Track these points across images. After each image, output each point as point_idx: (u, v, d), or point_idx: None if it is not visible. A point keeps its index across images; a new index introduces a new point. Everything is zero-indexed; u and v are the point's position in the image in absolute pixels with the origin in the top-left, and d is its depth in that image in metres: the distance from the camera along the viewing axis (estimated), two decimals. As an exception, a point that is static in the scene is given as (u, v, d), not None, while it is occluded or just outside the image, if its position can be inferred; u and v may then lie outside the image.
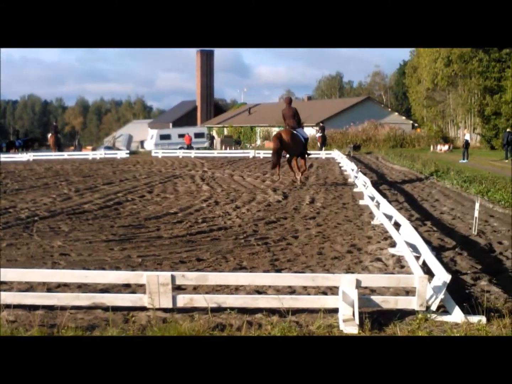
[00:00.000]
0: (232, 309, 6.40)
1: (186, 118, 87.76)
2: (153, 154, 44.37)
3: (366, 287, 6.97)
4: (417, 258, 7.93)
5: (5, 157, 38.31)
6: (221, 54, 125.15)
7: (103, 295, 6.77)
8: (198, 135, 66.46)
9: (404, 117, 70.92)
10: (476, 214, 11.04)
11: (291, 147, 19.38)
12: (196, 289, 7.25)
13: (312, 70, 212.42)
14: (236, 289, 7.34)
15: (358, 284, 6.29)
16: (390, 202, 13.62)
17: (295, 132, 19.55)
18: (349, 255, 9.33)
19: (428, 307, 6.38)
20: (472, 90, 59.53)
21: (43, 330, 5.84)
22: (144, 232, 11.34)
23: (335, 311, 6.33)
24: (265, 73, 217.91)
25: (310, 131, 45.85)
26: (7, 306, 6.42)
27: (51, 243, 10.17)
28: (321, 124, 49.51)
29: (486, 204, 14.69)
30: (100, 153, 44.55)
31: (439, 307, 6.46)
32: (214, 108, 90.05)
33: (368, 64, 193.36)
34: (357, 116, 61.66)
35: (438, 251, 9.34)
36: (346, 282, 6.29)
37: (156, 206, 15.16)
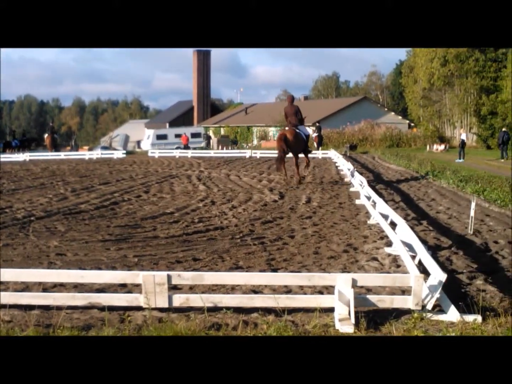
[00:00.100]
0: (228, 308, 6.40)
1: (182, 118, 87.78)
2: (149, 154, 44.34)
3: (362, 287, 6.97)
4: (413, 257, 7.93)
5: (1, 158, 38.22)
6: (218, 54, 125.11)
7: (99, 295, 6.76)
8: (195, 135, 66.50)
9: (400, 117, 71.03)
10: (472, 213, 11.06)
11: (295, 146, 19.77)
12: (192, 289, 7.25)
13: (309, 70, 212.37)
14: (232, 289, 7.34)
15: (354, 284, 6.30)
16: (386, 201, 13.65)
17: (297, 131, 19.86)
18: (345, 254, 9.34)
19: (423, 306, 6.39)
20: (468, 89, 59.59)
21: (38, 330, 5.84)
22: (140, 232, 11.34)
23: (331, 310, 6.33)
24: (262, 73, 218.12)
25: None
26: (3, 306, 6.40)
27: (47, 243, 10.16)
28: (317, 124, 49.49)
29: (482, 203, 14.70)
30: (97, 153, 44.50)
31: (434, 306, 6.46)
32: (211, 108, 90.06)
33: (364, 64, 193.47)
34: (353, 116, 61.73)
35: (434, 250, 9.35)
36: (342, 282, 6.29)
37: (152, 206, 15.15)
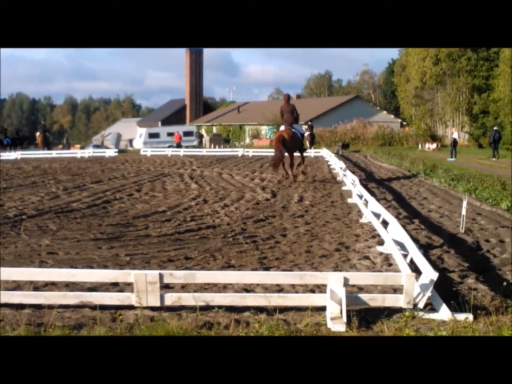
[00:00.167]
0: (220, 307, 6.41)
1: (175, 116, 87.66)
2: (142, 153, 44.28)
3: (353, 285, 6.99)
4: (405, 256, 7.95)
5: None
6: (210, 53, 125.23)
7: (90, 293, 6.75)
8: (187, 134, 66.36)
9: (392, 116, 71.09)
10: (464, 212, 11.09)
11: (292, 146, 20.11)
12: (184, 288, 7.26)
13: (301, 68, 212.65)
14: (224, 288, 7.34)
15: (345, 282, 6.31)
16: (378, 200, 13.68)
17: (294, 130, 20.20)
18: (337, 253, 9.35)
19: (415, 305, 6.41)
20: (460, 88, 59.76)
21: (30, 329, 5.82)
22: (132, 230, 11.32)
23: (322, 309, 6.34)
24: (254, 72, 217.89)
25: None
26: (-6, 305, 6.40)
27: (39, 241, 10.13)
28: (309, 123, 49.50)
29: (473, 202, 14.74)
30: (89, 152, 44.42)
31: (426, 305, 6.49)
32: (203, 106, 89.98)
33: (357, 62, 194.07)
34: (346, 115, 61.79)
35: (425, 249, 9.38)
36: (334, 280, 6.30)
37: (144, 204, 15.13)
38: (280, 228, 11.60)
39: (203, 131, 74.92)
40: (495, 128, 38.55)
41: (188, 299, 6.50)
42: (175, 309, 6.48)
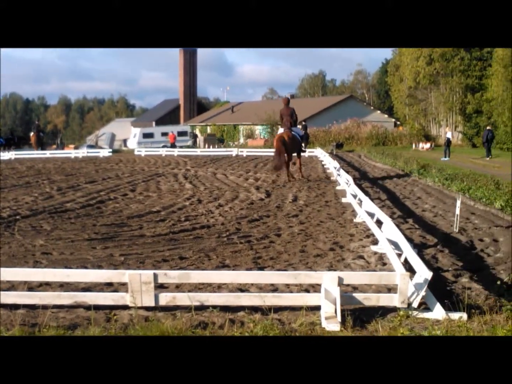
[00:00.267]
0: (214, 307, 6.41)
1: (169, 116, 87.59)
2: (136, 153, 44.24)
3: (348, 285, 7.00)
4: (399, 255, 7.97)
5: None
6: (204, 53, 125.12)
7: (85, 294, 6.75)
8: (181, 134, 66.30)
9: (386, 115, 71.16)
10: (458, 211, 11.12)
11: (292, 147, 20.33)
12: (178, 288, 7.25)
13: (295, 68, 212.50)
14: (218, 287, 7.34)
15: (340, 282, 6.32)
16: (372, 200, 13.69)
17: (293, 132, 20.51)
18: (332, 252, 9.36)
19: (409, 304, 6.42)
20: (454, 88, 59.84)
21: (24, 329, 5.81)
22: (126, 230, 11.31)
23: (317, 308, 6.35)
24: (248, 72, 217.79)
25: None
26: (-12, 306, 6.38)
27: (33, 242, 10.11)
28: (303, 123, 49.51)
29: (467, 202, 14.77)
30: (83, 152, 44.37)
31: (420, 304, 6.50)
32: (197, 106, 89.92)
33: (350, 62, 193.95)
34: (340, 115, 61.82)
35: (419, 248, 9.40)
36: (328, 280, 6.31)
37: (138, 204, 15.12)
38: (275, 227, 11.61)
39: (197, 131, 74.85)
40: (488, 127, 38.62)
41: (183, 299, 6.50)
42: (170, 309, 6.48)
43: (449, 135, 38.78)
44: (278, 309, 6.47)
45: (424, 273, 6.49)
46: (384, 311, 6.41)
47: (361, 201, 13.17)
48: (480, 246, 9.89)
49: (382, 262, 8.63)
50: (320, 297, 6.35)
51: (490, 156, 35.49)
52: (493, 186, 17.44)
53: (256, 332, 5.78)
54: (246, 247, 9.71)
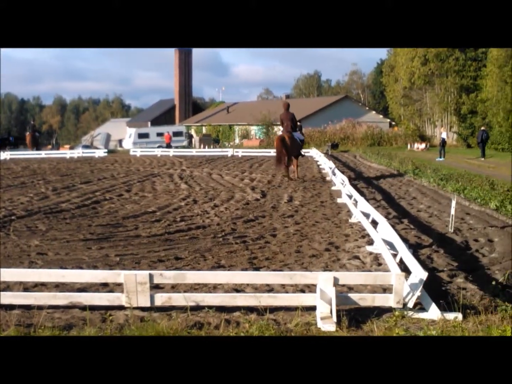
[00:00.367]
0: (210, 307, 6.41)
1: (164, 116, 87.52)
2: (131, 153, 44.26)
3: (343, 285, 6.99)
4: (394, 255, 7.98)
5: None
6: (199, 53, 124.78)
7: (80, 294, 6.74)
8: (177, 134, 66.22)
9: (381, 116, 71.21)
10: (453, 211, 11.13)
11: (291, 148, 20.48)
12: (174, 288, 7.25)
13: (291, 68, 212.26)
14: (214, 288, 7.34)
15: (335, 282, 6.32)
16: (367, 200, 13.70)
17: (294, 137, 20.72)
18: (327, 253, 9.37)
19: (405, 304, 6.43)
20: (449, 88, 59.97)
21: (20, 330, 5.80)
22: (122, 231, 11.30)
23: (313, 309, 6.35)
24: (243, 72, 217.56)
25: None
26: (-16, 306, 6.37)
27: (28, 242, 10.10)
28: (298, 123, 49.54)
29: (462, 202, 14.80)
30: (78, 152, 44.35)
31: (415, 304, 6.50)
32: (193, 106, 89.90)
33: (345, 63, 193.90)
34: (335, 115, 61.85)
35: (415, 248, 9.41)
36: (323, 280, 6.31)
37: (134, 205, 15.11)
38: (270, 228, 11.61)
39: (192, 131, 74.81)
40: (482, 128, 38.69)
41: (178, 299, 6.50)
42: (165, 310, 6.48)
43: (444, 135, 38.87)
44: (274, 309, 6.48)
45: (419, 273, 6.50)
46: (379, 311, 6.41)
47: (356, 202, 13.19)
48: (475, 246, 9.91)
49: (377, 263, 8.64)
50: (315, 298, 6.35)
51: (484, 157, 35.53)
52: (488, 186, 17.49)
53: (252, 332, 5.78)
54: (241, 248, 9.71)
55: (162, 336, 5.58)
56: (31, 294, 6.70)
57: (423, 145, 51.02)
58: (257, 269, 8.29)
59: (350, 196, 14.36)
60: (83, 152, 44.17)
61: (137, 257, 9.03)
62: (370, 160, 32.91)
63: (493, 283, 7.36)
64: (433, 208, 14.34)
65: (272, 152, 39.61)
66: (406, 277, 6.56)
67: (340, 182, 17.88)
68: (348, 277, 6.72)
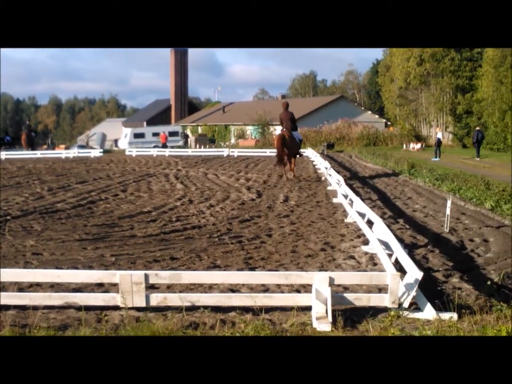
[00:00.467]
0: (205, 307, 6.40)
1: (160, 116, 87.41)
2: (127, 153, 44.21)
3: (339, 285, 7.00)
4: (390, 255, 7.98)
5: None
6: (195, 53, 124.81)
7: (75, 294, 6.73)
8: (172, 134, 66.15)
9: (377, 116, 71.27)
10: (448, 211, 11.15)
11: (291, 147, 20.65)
12: (169, 288, 7.25)
13: (286, 68, 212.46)
14: (209, 288, 7.34)
15: (331, 282, 6.33)
16: (363, 200, 13.71)
17: (293, 137, 20.86)
18: (323, 253, 9.37)
19: (400, 304, 6.44)
20: (444, 89, 60.00)
21: (15, 330, 5.80)
22: (117, 231, 11.29)
23: (308, 309, 6.36)
24: (239, 72, 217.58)
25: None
26: (-21, 307, 6.36)
27: (24, 242, 10.09)
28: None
29: (458, 202, 14.83)
30: (74, 152, 44.28)
31: (411, 304, 6.52)
32: (188, 106, 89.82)
33: (341, 63, 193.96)
34: (330, 115, 61.86)
35: (410, 248, 9.42)
36: (319, 280, 6.32)
37: (130, 205, 15.09)
38: (266, 228, 11.62)
39: (188, 131, 74.77)
40: (477, 128, 38.75)
41: (174, 299, 6.50)
42: (161, 310, 6.48)
43: (439, 135, 38.89)
44: (269, 309, 6.48)
45: (414, 273, 6.51)
46: (375, 311, 6.42)
47: (352, 202, 13.19)
48: (470, 246, 9.92)
49: (373, 262, 8.65)
50: (311, 298, 6.36)
51: (479, 157, 35.57)
52: (483, 186, 17.52)
53: (247, 332, 5.78)
54: (237, 248, 9.71)
55: (158, 336, 5.58)
56: (26, 295, 6.70)
57: (418, 145, 51.04)
58: (252, 269, 8.30)
59: (345, 196, 14.36)
60: (78, 152, 44.09)
61: (132, 257, 9.03)
62: (365, 160, 32.94)
63: (488, 283, 7.37)
64: (428, 208, 14.36)
65: (268, 152, 39.85)
66: (402, 277, 6.57)
67: (336, 182, 17.89)
68: (344, 277, 6.72)
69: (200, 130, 74.71)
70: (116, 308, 6.46)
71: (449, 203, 11.18)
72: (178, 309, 6.39)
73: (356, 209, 12.15)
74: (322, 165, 25.21)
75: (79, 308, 6.39)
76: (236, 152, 41.52)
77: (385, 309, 6.43)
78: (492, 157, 37.37)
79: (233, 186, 19.42)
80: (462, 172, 23.70)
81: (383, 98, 72.01)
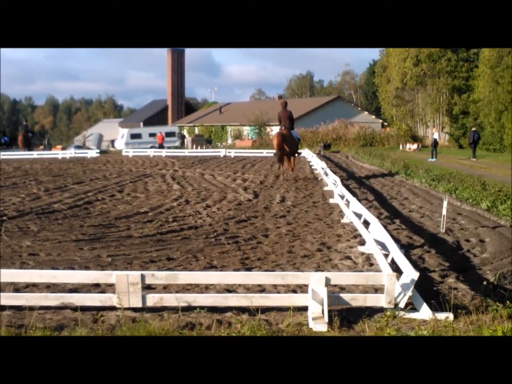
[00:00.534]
0: (202, 308, 6.40)
1: (157, 117, 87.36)
2: (123, 153, 44.20)
3: (335, 285, 7.01)
4: (386, 256, 7.99)
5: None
6: (192, 53, 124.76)
7: (72, 295, 6.72)
8: (169, 134, 66.14)
9: (373, 116, 71.37)
10: (444, 212, 11.16)
11: (290, 145, 20.82)
12: (166, 288, 7.25)
13: (283, 69, 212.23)
14: (206, 288, 7.34)
15: (327, 282, 6.33)
16: (359, 200, 13.73)
17: (291, 133, 21.08)
18: (319, 253, 9.38)
19: (396, 305, 6.44)
20: (441, 89, 60.03)
21: (11, 331, 5.79)
22: (114, 231, 11.28)
23: (304, 309, 6.36)
24: (236, 72, 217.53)
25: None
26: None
27: (20, 243, 10.07)
28: (291, 123, 49.49)
29: (454, 202, 14.84)
30: (70, 153, 44.26)
31: (407, 304, 6.52)
32: (185, 107, 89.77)
33: (338, 63, 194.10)
34: (327, 115, 61.94)
35: (406, 249, 9.43)
36: (315, 280, 6.32)
37: (126, 205, 15.08)
38: (262, 228, 11.62)
39: (185, 132, 74.75)
40: (474, 129, 38.79)
41: (170, 300, 6.50)
42: (157, 310, 6.47)
43: (436, 136, 38.92)
44: (266, 309, 6.48)
45: (410, 274, 6.52)
46: (371, 312, 6.43)
47: (348, 202, 13.20)
48: (466, 246, 9.94)
49: (369, 263, 8.66)
50: (307, 298, 6.36)
51: (475, 158, 35.60)
52: (480, 186, 17.54)
53: (244, 332, 5.78)
54: (233, 248, 9.71)
55: (154, 336, 5.58)
56: (23, 295, 6.69)
57: (415, 146, 51.13)
58: (249, 269, 8.30)
59: (342, 197, 14.37)
60: (75, 153, 44.08)
61: (129, 258, 9.02)
62: (362, 161, 32.97)
63: (484, 283, 7.38)
64: (425, 208, 14.38)
65: (265, 153, 39.85)
66: (398, 277, 6.58)
67: (332, 182, 17.90)
68: (340, 277, 6.73)
69: (197, 130, 74.70)
70: (112, 308, 6.46)
71: (445, 203, 11.19)
72: (174, 309, 6.39)
73: (352, 209, 12.16)
74: (319, 165, 25.23)
75: (75, 309, 6.39)
76: (232, 153, 41.57)
77: (381, 309, 6.44)
78: (489, 157, 37.44)
79: (230, 187, 19.42)
80: (458, 172, 23.74)
81: (380, 99, 72.05)
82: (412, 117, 64.47)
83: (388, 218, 12.78)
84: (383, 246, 8.49)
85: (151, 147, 52.02)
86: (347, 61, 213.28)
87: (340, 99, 73.37)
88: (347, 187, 16.96)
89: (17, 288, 7.20)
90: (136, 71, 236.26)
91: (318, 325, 5.99)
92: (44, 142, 62.15)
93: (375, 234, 9.19)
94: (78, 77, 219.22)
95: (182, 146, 64.03)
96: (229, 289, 7.32)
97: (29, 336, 5.62)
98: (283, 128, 20.91)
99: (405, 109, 64.04)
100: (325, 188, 18.58)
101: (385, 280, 6.41)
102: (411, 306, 6.57)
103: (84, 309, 6.42)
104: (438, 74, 59.29)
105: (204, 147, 57.53)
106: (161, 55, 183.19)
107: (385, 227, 9.74)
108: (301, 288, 7.04)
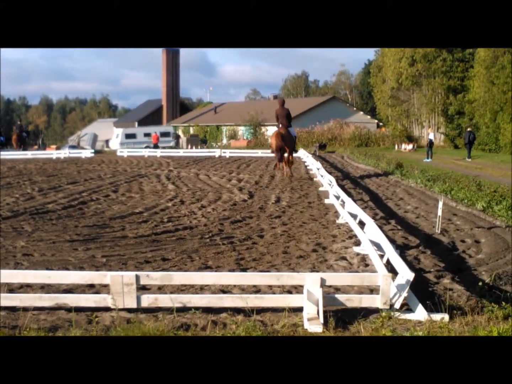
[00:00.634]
0: (197, 308, 6.38)
1: (151, 117, 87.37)
2: (118, 153, 44.17)
3: (330, 286, 7.00)
4: (381, 256, 7.98)
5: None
6: (186, 53, 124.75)
7: (66, 295, 6.70)
8: (164, 134, 66.12)
9: (369, 116, 71.47)
10: (440, 212, 11.16)
11: (289, 144, 21.10)
12: (161, 289, 7.22)
13: (278, 69, 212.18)
14: (201, 289, 7.32)
15: (322, 283, 6.32)
16: (355, 201, 13.72)
17: (289, 131, 21.31)
18: (314, 254, 9.37)
19: (391, 305, 6.43)
20: (436, 89, 60.13)
21: (4, 332, 5.76)
22: (108, 232, 11.25)
23: (299, 310, 6.34)
24: (231, 72, 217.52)
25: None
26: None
27: (14, 243, 10.03)
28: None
29: (449, 203, 14.85)
30: (65, 152, 44.20)
31: (402, 305, 6.51)
32: (180, 107, 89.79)
33: (333, 63, 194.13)
34: (322, 115, 62.02)
35: (402, 249, 9.43)
36: (310, 281, 6.31)
37: (121, 205, 15.05)
38: (257, 229, 11.60)
39: (180, 132, 74.73)
40: (469, 129, 38.87)
41: (165, 300, 6.48)
42: (152, 311, 6.45)
43: (431, 136, 39.03)
44: (261, 310, 6.46)
45: (406, 274, 6.51)
46: (366, 312, 6.41)
47: (343, 202, 13.20)
48: (462, 247, 9.94)
49: (364, 263, 8.65)
50: (302, 299, 6.35)
51: (470, 158, 35.66)
52: (475, 187, 17.55)
53: (239, 333, 5.77)
54: (228, 248, 9.69)
55: (148, 337, 5.56)
56: (16, 296, 6.66)
57: (410, 146, 51.24)
58: (244, 270, 8.28)
59: (337, 197, 14.37)
60: (69, 153, 44.01)
61: (123, 258, 9.00)
62: (357, 161, 33.00)
63: (480, 284, 7.37)
64: (420, 209, 14.39)
65: (260, 153, 39.88)
66: (393, 278, 6.57)
67: (328, 182, 17.90)
68: (335, 278, 6.72)
69: (191, 130, 74.68)
70: (107, 309, 6.43)
71: (440, 204, 11.19)
72: (169, 310, 6.36)
73: (347, 210, 12.16)
74: (314, 166, 25.23)
75: (69, 310, 6.36)
76: (227, 153, 41.58)
77: (376, 310, 6.43)
78: (484, 158, 37.50)
79: (225, 187, 19.41)
80: (453, 173, 23.79)
81: (375, 99, 72.08)
82: (407, 117, 64.57)
83: (384, 218, 12.78)
84: (378, 246, 8.48)
85: (146, 147, 51.99)
86: (342, 61, 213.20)
87: (335, 99, 73.48)
88: (342, 187, 16.95)
89: (11, 288, 7.17)
90: (131, 71, 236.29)
91: (313, 326, 5.98)
92: (38, 142, 62.07)
93: (371, 235, 9.19)
94: (73, 77, 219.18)
95: (177, 146, 64.02)
96: (224, 290, 7.30)
97: (23, 336, 5.59)
98: (281, 126, 21.00)
99: (401, 109, 64.13)
100: (321, 189, 18.58)
101: (381, 281, 6.40)
102: (406, 307, 6.56)
103: (79, 310, 6.39)
104: (433, 74, 59.39)
105: (199, 147, 57.54)
106: (156, 55, 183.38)
107: (380, 227, 9.73)
108: (296, 289, 7.03)
